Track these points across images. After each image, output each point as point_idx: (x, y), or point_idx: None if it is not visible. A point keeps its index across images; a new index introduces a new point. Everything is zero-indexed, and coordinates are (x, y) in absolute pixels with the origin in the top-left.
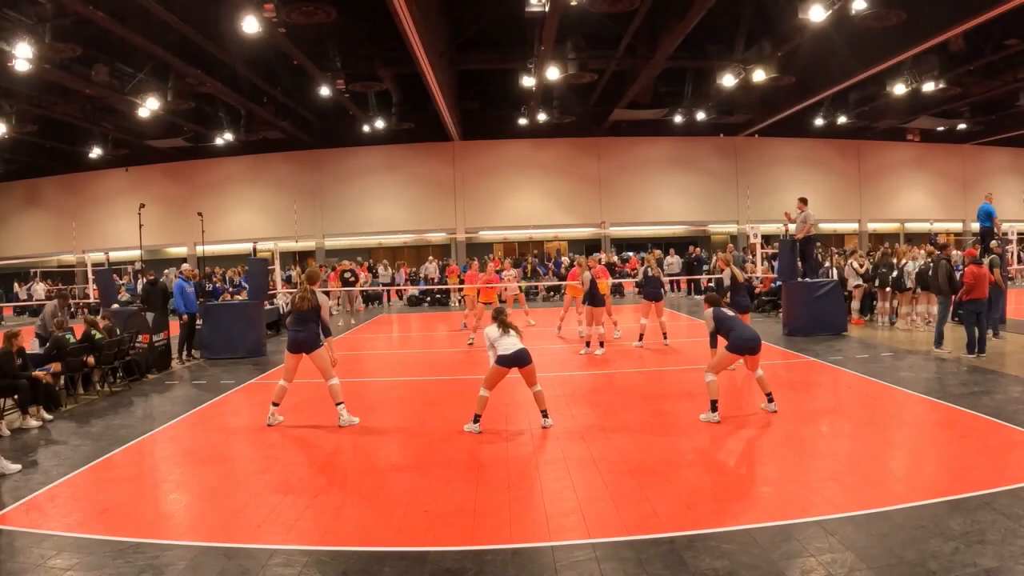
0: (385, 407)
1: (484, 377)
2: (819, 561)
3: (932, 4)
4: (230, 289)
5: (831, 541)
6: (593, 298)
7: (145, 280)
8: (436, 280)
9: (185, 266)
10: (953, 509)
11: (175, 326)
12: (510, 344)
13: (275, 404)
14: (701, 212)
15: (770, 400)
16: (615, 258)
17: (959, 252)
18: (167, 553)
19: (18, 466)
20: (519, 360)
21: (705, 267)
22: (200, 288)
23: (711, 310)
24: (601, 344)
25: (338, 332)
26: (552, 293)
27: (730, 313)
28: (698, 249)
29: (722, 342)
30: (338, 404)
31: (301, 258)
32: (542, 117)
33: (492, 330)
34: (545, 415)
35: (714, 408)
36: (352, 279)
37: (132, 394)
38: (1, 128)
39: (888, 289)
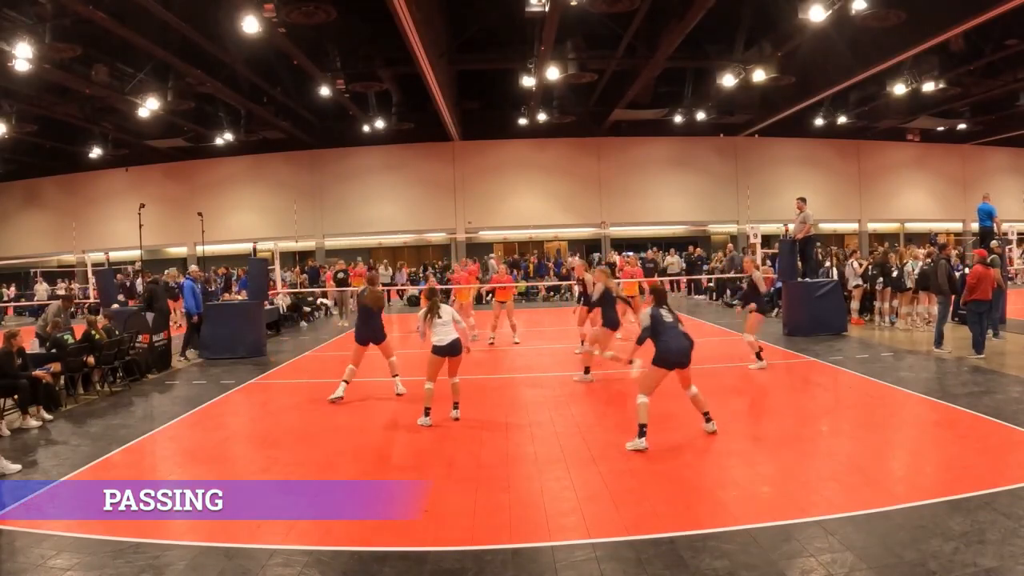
0: (385, 407)
1: (425, 370)
2: (819, 561)
3: (932, 4)
4: (229, 286)
5: (831, 541)
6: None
7: (145, 281)
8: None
9: (192, 267)
10: (953, 509)
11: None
12: (445, 334)
13: (345, 382)
14: (701, 212)
15: (708, 420)
16: (615, 258)
17: (959, 251)
18: (167, 553)
19: (18, 466)
20: (452, 350)
21: (705, 267)
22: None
23: (648, 309)
24: None
25: (337, 332)
26: (552, 293)
27: (668, 319)
28: (698, 249)
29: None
30: (394, 376)
31: (301, 258)
32: (542, 117)
33: (423, 312)
34: (456, 406)
35: (642, 433)
36: (344, 278)
37: (132, 394)
38: (1, 128)
39: (887, 289)
